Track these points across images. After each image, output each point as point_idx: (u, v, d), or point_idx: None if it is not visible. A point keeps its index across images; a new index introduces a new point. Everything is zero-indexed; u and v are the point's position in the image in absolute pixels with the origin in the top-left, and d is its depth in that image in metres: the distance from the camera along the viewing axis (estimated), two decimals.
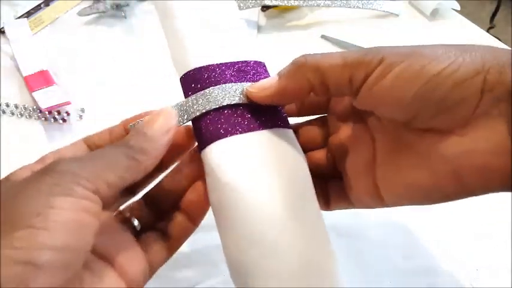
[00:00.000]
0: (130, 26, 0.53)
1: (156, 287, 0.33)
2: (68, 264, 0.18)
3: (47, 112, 0.45)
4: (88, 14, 0.53)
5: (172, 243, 0.26)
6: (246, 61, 0.28)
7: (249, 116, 0.25)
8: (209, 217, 0.34)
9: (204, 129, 0.25)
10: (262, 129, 0.25)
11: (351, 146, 0.26)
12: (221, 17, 0.29)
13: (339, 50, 0.50)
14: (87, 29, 0.53)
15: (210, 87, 0.26)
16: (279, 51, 0.50)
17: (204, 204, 0.26)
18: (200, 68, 0.27)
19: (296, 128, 0.28)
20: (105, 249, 0.23)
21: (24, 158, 0.42)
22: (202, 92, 0.26)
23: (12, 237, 0.17)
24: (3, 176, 0.40)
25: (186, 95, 0.27)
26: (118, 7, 0.53)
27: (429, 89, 0.20)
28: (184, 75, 0.27)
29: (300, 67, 0.23)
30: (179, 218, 0.26)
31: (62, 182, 0.19)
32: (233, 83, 0.26)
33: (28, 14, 0.54)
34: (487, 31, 0.53)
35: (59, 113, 0.45)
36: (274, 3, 0.51)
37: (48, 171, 0.20)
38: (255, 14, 0.53)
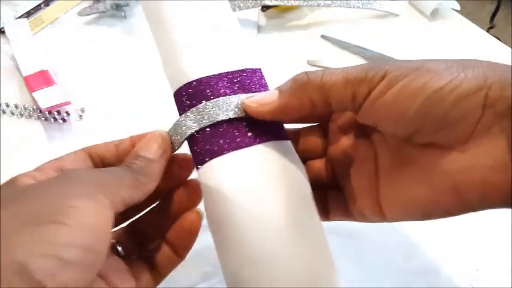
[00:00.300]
0: (130, 26, 0.53)
1: (156, 287, 0.33)
2: (91, 265, 0.19)
3: (47, 112, 0.45)
4: (88, 14, 0.53)
5: (158, 273, 0.26)
6: (240, 70, 0.27)
7: (246, 130, 0.24)
8: None
9: (200, 147, 0.24)
10: (260, 143, 0.24)
11: (352, 160, 0.26)
12: (215, 21, 0.28)
13: (339, 50, 0.50)
14: (87, 29, 0.53)
15: (203, 103, 0.25)
16: (279, 51, 0.50)
17: (190, 239, 0.26)
18: (193, 81, 0.25)
19: (296, 135, 0.28)
20: (104, 270, 0.23)
21: (24, 158, 0.42)
22: (195, 108, 0.25)
23: (40, 231, 0.17)
24: (3, 176, 0.40)
25: (181, 112, 0.26)
26: (118, 7, 0.53)
27: (431, 104, 0.20)
28: (177, 90, 0.26)
29: (302, 85, 0.23)
30: (165, 250, 0.26)
31: (86, 187, 0.20)
32: (228, 96, 0.25)
33: (28, 14, 0.54)
34: (487, 31, 0.53)
35: (59, 113, 0.45)
36: (274, 3, 0.51)
37: (68, 177, 0.21)
38: (255, 14, 0.53)
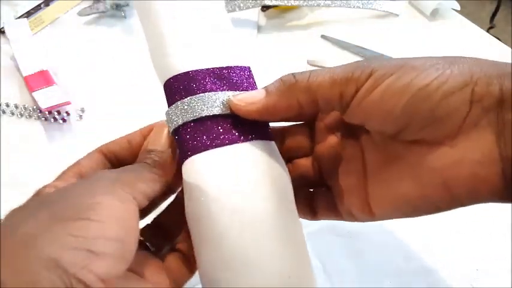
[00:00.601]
0: (130, 26, 0.53)
1: None
2: (121, 256, 0.19)
3: (47, 112, 0.45)
4: (88, 14, 0.53)
5: (191, 262, 0.26)
6: (229, 67, 0.26)
7: (230, 127, 0.24)
8: None
9: (184, 141, 0.24)
10: (244, 141, 0.24)
11: (339, 159, 0.26)
12: (206, 17, 0.28)
13: (339, 50, 0.50)
14: (87, 29, 0.53)
15: (189, 97, 0.25)
16: (279, 51, 0.50)
17: None
18: (179, 75, 0.25)
19: (282, 134, 0.28)
20: (138, 267, 0.23)
21: (24, 158, 0.42)
22: (180, 102, 0.25)
23: (69, 227, 0.18)
24: (3, 176, 0.40)
25: (169, 104, 0.25)
26: (118, 7, 0.53)
27: (418, 101, 0.20)
28: (165, 83, 0.26)
29: (289, 87, 0.23)
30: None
31: (108, 185, 0.21)
32: (213, 92, 0.25)
33: (28, 14, 0.54)
34: (487, 31, 0.53)
35: (59, 113, 0.45)
36: (274, 3, 0.51)
37: (91, 179, 0.22)
38: (255, 14, 0.53)
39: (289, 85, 0.23)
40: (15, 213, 0.20)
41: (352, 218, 0.26)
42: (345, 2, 0.52)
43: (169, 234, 0.27)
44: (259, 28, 0.52)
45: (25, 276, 0.17)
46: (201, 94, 0.24)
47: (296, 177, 0.26)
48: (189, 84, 0.25)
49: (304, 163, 0.28)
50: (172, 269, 0.25)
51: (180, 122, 0.24)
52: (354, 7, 0.52)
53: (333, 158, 0.26)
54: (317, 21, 0.53)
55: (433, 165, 0.21)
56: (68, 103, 0.44)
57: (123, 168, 0.24)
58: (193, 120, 0.24)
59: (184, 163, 0.24)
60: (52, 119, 0.45)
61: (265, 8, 0.52)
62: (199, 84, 0.25)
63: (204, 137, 0.24)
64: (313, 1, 0.51)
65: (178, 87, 0.25)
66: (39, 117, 0.45)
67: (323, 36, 0.51)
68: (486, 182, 0.19)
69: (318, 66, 0.48)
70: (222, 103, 0.24)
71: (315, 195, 0.27)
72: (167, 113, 0.25)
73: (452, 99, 0.20)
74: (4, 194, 0.38)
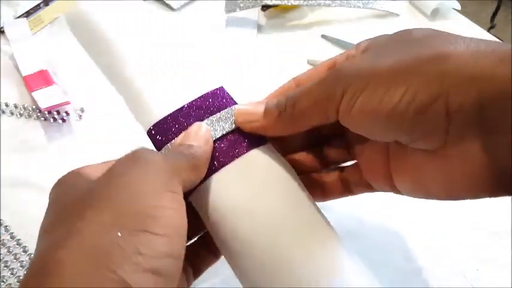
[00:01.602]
0: None
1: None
2: (179, 271, 0.18)
3: (46, 112, 0.45)
4: None
5: (196, 271, 0.27)
6: (202, 96, 0.26)
7: (227, 145, 0.25)
8: None
9: None
10: (241, 155, 0.25)
11: (366, 139, 0.26)
12: (168, 55, 0.28)
13: (339, 49, 0.50)
14: None
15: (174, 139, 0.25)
16: (279, 51, 0.50)
17: None
18: (159, 122, 0.26)
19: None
20: None
21: (24, 158, 0.42)
22: (169, 144, 0.25)
23: (136, 242, 0.17)
24: (3, 176, 0.40)
25: (157, 149, 0.26)
26: None
27: (394, 120, 0.20)
28: (148, 131, 0.26)
29: (277, 119, 0.24)
30: (201, 252, 0.27)
31: (160, 173, 0.19)
32: (200, 122, 0.25)
33: (27, 14, 0.54)
34: (488, 31, 0.53)
35: (58, 112, 0.45)
36: (275, 2, 0.51)
37: (140, 163, 0.19)
38: (255, 13, 0.53)
39: (275, 118, 0.24)
40: (70, 204, 0.18)
41: (384, 190, 0.26)
42: (345, 1, 0.52)
43: None
44: (259, 28, 0.52)
45: None
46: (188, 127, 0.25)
47: (328, 159, 0.27)
48: (171, 127, 0.25)
49: (335, 145, 0.28)
50: (196, 253, 0.26)
51: None
52: (354, 7, 0.52)
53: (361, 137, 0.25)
54: (317, 21, 0.53)
55: (430, 169, 0.21)
56: (67, 103, 0.44)
57: (164, 154, 0.23)
58: None
59: (194, 191, 0.24)
60: (51, 119, 0.45)
61: (265, 7, 0.52)
62: (179, 123, 0.25)
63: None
64: (313, 1, 0.51)
65: (167, 129, 0.25)
66: (38, 117, 0.45)
67: (323, 36, 0.51)
68: (481, 188, 0.19)
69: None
70: (214, 128, 0.25)
71: (346, 172, 0.28)
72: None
73: (425, 118, 0.19)
74: (4, 194, 0.38)
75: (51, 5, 0.55)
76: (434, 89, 0.18)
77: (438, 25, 0.53)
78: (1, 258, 0.34)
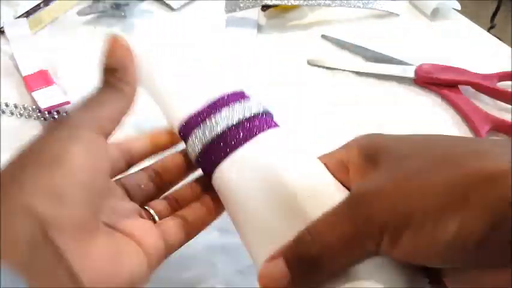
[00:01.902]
0: (130, 26, 0.53)
1: (156, 287, 0.33)
2: (90, 202, 0.20)
3: (46, 112, 0.44)
4: (88, 14, 0.53)
5: (190, 229, 0.27)
6: (225, 94, 0.29)
7: (240, 131, 0.27)
8: None
9: (208, 158, 0.28)
10: (256, 135, 0.27)
11: None
12: (193, 68, 0.32)
13: (339, 49, 0.50)
14: (87, 29, 0.53)
15: (201, 124, 0.28)
16: (279, 51, 0.50)
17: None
18: (189, 117, 0.29)
19: None
20: (120, 223, 0.24)
21: None
22: (196, 129, 0.28)
23: (41, 174, 0.20)
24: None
25: (186, 142, 0.29)
26: (118, 7, 0.53)
27: (451, 256, 0.17)
28: (180, 127, 0.29)
29: (303, 275, 0.20)
30: (197, 207, 0.28)
31: (72, 130, 0.22)
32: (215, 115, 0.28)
33: (27, 14, 0.54)
34: (488, 31, 0.53)
35: (58, 112, 0.45)
36: (275, 2, 0.51)
37: (58, 125, 0.23)
38: (255, 13, 0.53)
39: (297, 274, 0.20)
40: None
41: None
42: (345, 1, 0.52)
43: (178, 204, 0.29)
44: (259, 28, 0.52)
45: (4, 225, 0.18)
46: (211, 117, 0.28)
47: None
48: (198, 118, 0.29)
49: None
50: (169, 233, 0.26)
51: (200, 145, 0.28)
52: (354, 7, 0.52)
53: None
54: (317, 21, 0.53)
55: (491, 280, 0.18)
56: (67, 103, 0.44)
57: (87, 101, 0.24)
58: (211, 138, 0.27)
59: (213, 177, 0.27)
60: (51, 119, 0.45)
61: (265, 7, 0.52)
62: (207, 113, 0.29)
63: (224, 147, 0.27)
64: (313, 1, 0.51)
65: (194, 123, 0.29)
66: (38, 117, 0.45)
67: (323, 36, 0.51)
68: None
69: (318, 65, 0.48)
70: (229, 116, 0.28)
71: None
72: (188, 145, 0.28)
73: (490, 244, 0.16)
74: None
75: (51, 5, 0.55)
76: (494, 214, 0.16)
77: (438, 25, 0.53)
78: None
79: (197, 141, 0.28)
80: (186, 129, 0.29)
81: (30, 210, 0.18)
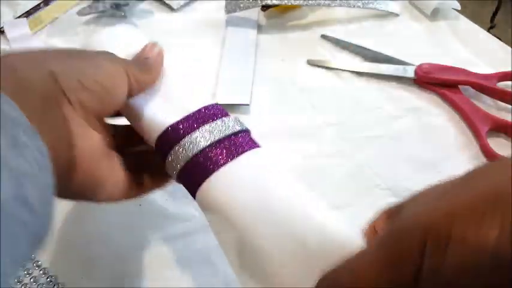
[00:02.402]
0: None
1: (156, 287, 0.33)
2: (103, 102, 0.24)
3: None
4: (88, 14, 0.53)
5: (160, 180, 0.30)
6: (203, 107, 0.28)
7: (224, 149, 0.27)
8: None
9: (191, 175, 0.27)
10: (240, 154, 0.26)
11: None
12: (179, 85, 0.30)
13: (339, 49, 0.50)
14: (87, 29, 0.53)
15: (182, 139, 0.27)
16: (279, 51, 0.50)
17: None
18: (167, 129, 0.27)
19: None
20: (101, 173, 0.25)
21: None
22: (177, 145, 0.27)
23: (70, 61, 0.24)
24: None
25: (163, 157, 0.28)
26: (118, 7, 0.53)
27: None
28: (156, 140, 0.28)
29: None
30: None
31: (109, 55, 0.27)
32: (195, 131, 0.27)
33: (28, 14, 0.54)
34: (488, 31, 0.53)
35: None
36: (275, 2, 0.51)
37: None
38: (255, 13, 0.53)
39: None
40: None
41: None
42: (345, 1, 0.52)
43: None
44: (259, 28, 0.52)
45: (24, 76, 0.21)
46: (191, 133, 0.27)
47: None
48: (177, 132, 0.27)
49: None
50: (139, 177, 0.29)
51: (182, 162, 0.26)
52: (354, 7, 0.52)
53: None
54: (317, 21, 0.53)
55: None
56: None
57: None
58: (194, 155, 0.26)
59: (197, 193, 0.26)
60: None
61: (265, 7, 0.52)
62: (186, 128, 0.27)
63: (208, 163, 0.26)
64: (313, 1, 0.51)
65: (171, 137, 0.27)
66: None
67: (323, 36, 0.51)
68: None
69: (318, 65, 0.48)
70: (211, 133, 0.27)
71: None
72: (168, 162, 0.27)
73: None
74: None
75: (51, 5, 0.55)
76: None
77: (438, 25, 0.53)
78: None
79: (176, 159, 0.27)
80: (164, 145, 0.27)
81: (53, 74, 0.22)
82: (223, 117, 0.28)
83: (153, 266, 0.34)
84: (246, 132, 0.28)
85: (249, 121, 0.43)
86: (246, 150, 0.27)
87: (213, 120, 0.28)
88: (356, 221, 0.36)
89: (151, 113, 0.28)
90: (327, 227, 0.24)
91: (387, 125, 0.42)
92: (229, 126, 0.28)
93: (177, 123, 0.27)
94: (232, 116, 0.29)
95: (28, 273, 0.33)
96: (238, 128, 0.28)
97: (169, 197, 0.38)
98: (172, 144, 0.27)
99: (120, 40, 0.31)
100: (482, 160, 0.39)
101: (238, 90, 0.45)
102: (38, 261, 0.34)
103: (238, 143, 0.27)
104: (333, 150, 0.41)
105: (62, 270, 0.33)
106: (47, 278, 0.33)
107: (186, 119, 0.28)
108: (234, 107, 0.44)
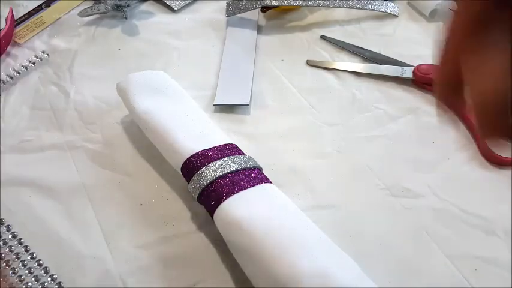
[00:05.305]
0: (130, 27, 0.53)
1: (156, 287, 0.33)
2: None
3: None
4: (89, 15, 0.54)
5: None
6: (222, 145, 0.36)
7: (238, 179, 0.33)
8: (209, 217, 0.34)
9: (209, 198, 0.33)
10: (253, 186, 0.33)
11: None
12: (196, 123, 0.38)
13: (338, 50, 0.50)
14: (88, 30, 0.53)
15: (203, 167, 0.34)
16: (279, 52, 0.50)
17: None
18: (191, 156, 0.34)
19: None
20: None
21: (24, 157, 0.42)
22: (199, 171, 0.34)
23: None
24: (3, 176, 0.40)
25: (188, 180, 0.34)
26: (118, 8, 0.53)
27: None
28: (182, 165, 0.35)
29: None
30: None
31: None
32: (219, 160, 0.34)
33: (29, 15, 0.54)
34: None
35: None
36: (274, 3, 0.51)
37: None
38: (255, 14, 0.53)
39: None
40: None
41: None
42: (344, 2, 0.52)
43: None
44: (259, 29, 0.52)
45: None
46: (211, 163, 0.34)
47: None
48: (199, 160, 0.34)
49: None
50: None
51: (202, 185, 0.33)
52: (353, 8, 0.52)
53: None
54: (316, 22, 0.53)
55: None
56: None
57: None
58: (210, 182, 0.33)
59: (214, 214, 0.32)
60: None
61: (265, 9, 0.53)
62: (207, 157, 0.34)
63: (224, 189, 0.32)
64: (313, 2, 0.51)
65: (195, 163, 0.34)
66: None
67: (322, 37, 0.52)
68: None
69: (317, 66, 0.48)
70: (228, 165, 0.33)
71: None
72: (189, 186, 0.34)
73: None
74: (4, 194, 0.38)
75: (53, 6, 0.56)
76: None
77: (437, 26, 0.53)
78: (2, 257, 0.34)
79: (197, 184, 0.33)
80: (188, 170, 0.34)
81: None
82: (241, 154, 0.35)
83: (153, 265, 0.34)
84: (258, 169, 0.35)
85: (249, 121, 0.44)
86: (259, 183, 0.33)
87: (232, 154, 0.35)
88: (355, 220, 0.36)
89: (180, 140, 0.35)
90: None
91: (386, 125, 0.42)
92: (248, 159, 0.35)
93: (204, 153, 0.34)
94: (247, 154, 0.35)
95: (30, 272, 0.33)
96: (251, 164, 0.34)
97: (170, 197, 0.38)
98: (194, 171, 0.34)
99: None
100: (480, 160, 0.40)
101: (238, 91, 0.45)
102: (39, 260, 0.34)
103: (255, 176, 0.33)
104: (332, 150, 0.41)
105: (61, 270, 0.34)
106: (49, 277, 0.33)
107: (209, 150, 0.34)
108: (234, 107, 0.44)
